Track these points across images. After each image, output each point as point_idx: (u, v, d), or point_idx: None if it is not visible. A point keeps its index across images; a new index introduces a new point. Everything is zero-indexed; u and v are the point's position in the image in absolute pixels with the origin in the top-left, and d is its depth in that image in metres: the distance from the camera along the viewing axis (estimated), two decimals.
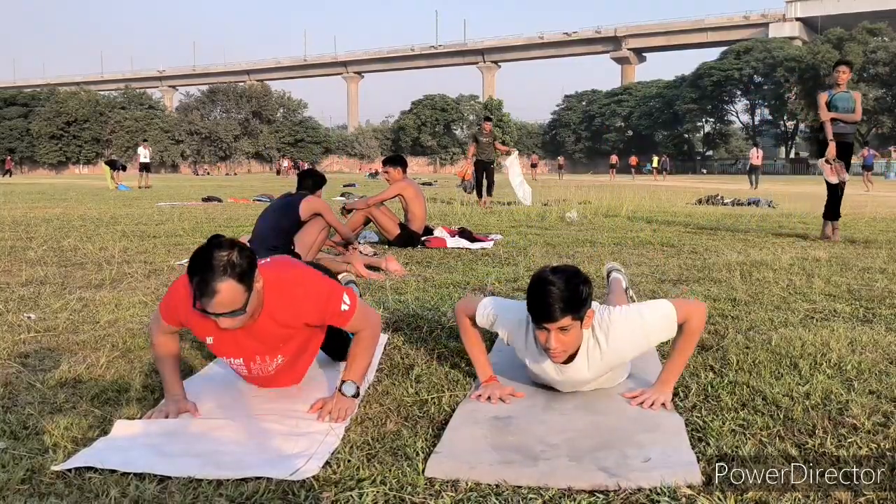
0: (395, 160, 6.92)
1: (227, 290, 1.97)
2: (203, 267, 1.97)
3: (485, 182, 13.03)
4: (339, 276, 3.50)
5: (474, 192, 13.39)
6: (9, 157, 50.53)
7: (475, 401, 2.30)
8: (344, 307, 2.28)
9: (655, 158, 47.91)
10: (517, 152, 13.86)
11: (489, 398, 2.31)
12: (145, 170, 24.25)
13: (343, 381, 2.26)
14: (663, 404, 2.24)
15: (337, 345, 2.68)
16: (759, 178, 24.33)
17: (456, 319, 2.58)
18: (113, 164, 23.58)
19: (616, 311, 2.33)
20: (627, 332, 2.28)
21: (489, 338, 3.15)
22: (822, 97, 6.98)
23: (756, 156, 25.13)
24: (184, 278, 2.12)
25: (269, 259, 2.35)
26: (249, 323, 2.17)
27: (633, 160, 48.96)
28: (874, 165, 26.34)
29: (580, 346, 2.26)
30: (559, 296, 2.08)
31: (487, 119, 13.92)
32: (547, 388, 2.46)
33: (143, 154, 24.81)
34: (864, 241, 6.74)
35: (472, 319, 2.51)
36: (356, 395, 2.25)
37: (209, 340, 2.27)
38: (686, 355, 2.34)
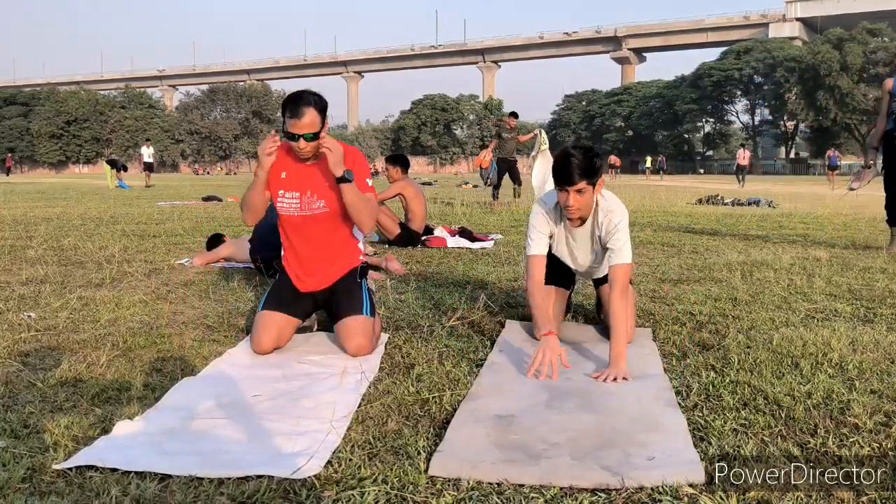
0: (397, 159, 6.91)
1: (310, 114, 2.80)
2: (296, 98, 2.82)
3: (502, 181, 12.50)
4: None
5: (495, 186, 12.65)
6: (9, 156, 50.49)
7: (477, 399, 2.29)
8: (369, 182, 3.02)
9: (649, 159, 47.56)
10: (540, 131, 11.87)
11: (541, 363, 2.56)
12: (148, 169, 24.24)
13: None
14: (625, 378, 2.51)
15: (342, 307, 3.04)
16: (745, 177, 25.79)
17: (527, 290, 2.96)
18: (114, 164, 23.59)
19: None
20: (622, 215, 2.91)
21: (490, 337, 3.14)
22: (888, 83, 5.74)
23: (742, 156, 26.61)
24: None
25: None
26: (314, 162, 2.95)
27: (612, 159, 44.72)
28: (839, 166, 27.93)
29: (590, 215, 2.91)
30: (578, 164, 2.71)
31: (513, 114, 12.90)
32: (549, 386, 2.46)
33: (147, 153, 24.78)
34: (864, 242, 6.73)
35: (540, 275, 2.94)
36: (350, 178, 2.88)
37: (283, 175, 2.98)
38: (624, 328, 2.68)
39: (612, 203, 2.94)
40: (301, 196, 2.97)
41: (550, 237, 3.05)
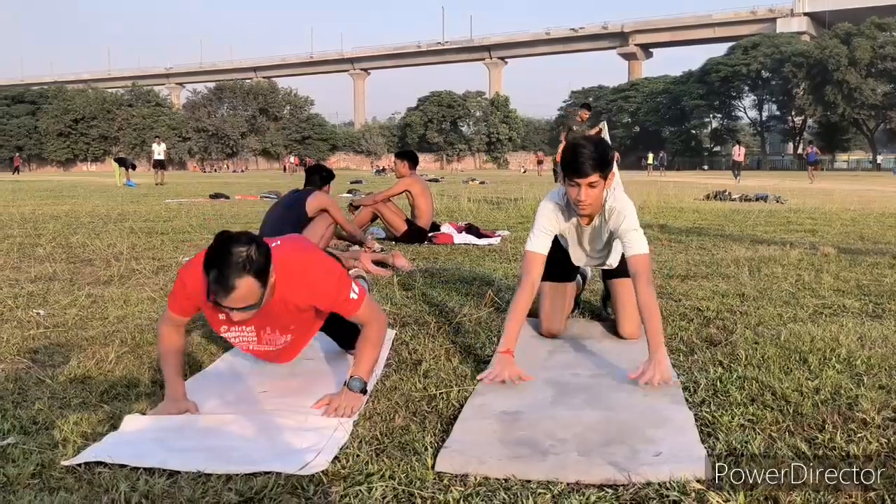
0: (406, 155, 6.91)
1: (244, 286, 1.96)
2: (221, 262, 1.95)
3: None
4: (349, 272, 3.51)
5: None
6: (17, 155, 50.69)
7: (484, 395, 2.30)
8: (353, 296, 2.33)
9: (651, 155, 47.85)
10: (604, 125, 10.98)
11: (497, 378, 2.42)
12: (160, 167, 24.10)
13: (351, 377, 2.26)
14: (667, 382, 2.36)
15: (345, 332, 2.70)
16: (740, 173, 25.99)
17: (519, 286, 2.78)
18: (122, 162, 23.62)
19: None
20: (628, 210, 2.73)
21: (497, 333, 3.14)
22: None
23: (738, 153, 26.95)
24: (191, 267, 2.19)
25: (279, 241, 2.33)
26: (261, 308, 2.15)
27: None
28: (817, 161, 29.24)
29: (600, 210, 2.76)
30: (589, 156, 2.56)
31: (585, 106, 11.99)
32: (555, 383, 2.46)
33: (157, 151, 24.65)
34: (872, 237, 6.70)
35: (537, 273, 2.78)
36: (363, 391, 2.25)
37: (222, 317, 2.28)
38: (657, 319, 2.51)
39: (619, 198, 2.78)
40: (259, 331, 2.41)
41: (560, 236, 2.96)
